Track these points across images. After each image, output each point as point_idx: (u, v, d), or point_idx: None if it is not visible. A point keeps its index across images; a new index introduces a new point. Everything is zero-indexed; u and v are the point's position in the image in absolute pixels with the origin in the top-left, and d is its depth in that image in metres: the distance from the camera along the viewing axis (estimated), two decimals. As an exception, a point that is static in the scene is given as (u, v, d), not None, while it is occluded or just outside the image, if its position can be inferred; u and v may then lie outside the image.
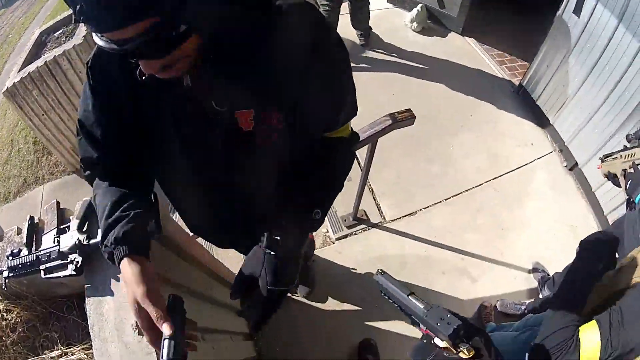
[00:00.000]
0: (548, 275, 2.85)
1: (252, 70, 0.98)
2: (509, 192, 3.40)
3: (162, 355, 0.89)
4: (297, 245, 1.14)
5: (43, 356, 2.26)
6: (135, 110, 1.06)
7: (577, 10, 3.14)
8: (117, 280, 1.42)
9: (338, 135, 1.25)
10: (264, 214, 1.16)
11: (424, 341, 1.10)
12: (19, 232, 2.35)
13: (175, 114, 1.05)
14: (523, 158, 3.62)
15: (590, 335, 1.33)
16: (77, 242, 1.44)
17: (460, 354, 1.00)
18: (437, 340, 1.05)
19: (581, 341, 1.34)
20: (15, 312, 2.42)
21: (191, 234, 1.73)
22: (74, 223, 1.51)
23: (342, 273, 3.04)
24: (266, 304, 1.15)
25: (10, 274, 1.66)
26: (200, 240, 2.01)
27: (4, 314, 2.41)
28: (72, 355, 2.13)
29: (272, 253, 1.07)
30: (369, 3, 4.38)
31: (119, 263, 1.02)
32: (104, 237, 1.04)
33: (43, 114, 3.98)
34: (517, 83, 4.16)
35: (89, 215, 1.50)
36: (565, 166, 3.52)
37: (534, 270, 2.98)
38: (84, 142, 1.12)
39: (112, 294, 1.42)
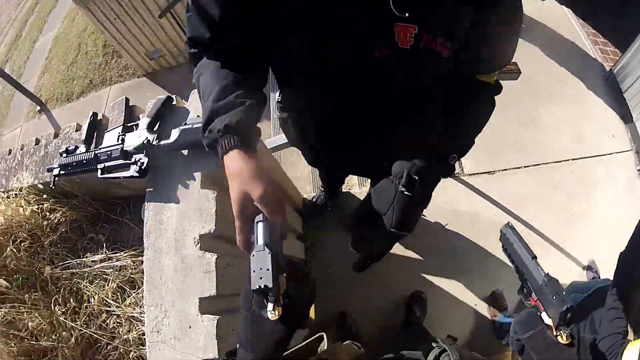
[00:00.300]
0: (600, 278, 2.68)
1: None
2: (585, 178, 3.15)
3: (258, 239, 0.77)
4: (431, 190, 1.01)
5: (84, 259, 2.22)
6: None
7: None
8: (186, 187, 1.31)
9: (487, 80, 1.13)
10: (394, 145, 1.04)
11: (531, 312, 0.99)
12: (78, 128, 2.25)
13: (321, 5, 0.87)
14: (604, 147, 3.33)
15: (631, 355, 1.32)
16: (145, 141, 1.32)
17: (559, 337, 0.91)
18: (544, 315, 0.95)
19: (623, 357, 1.33)
20: (61, 212, 2.38)
21: (269, 147, 1.59)
22: (143, 122, 1.37)
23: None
24: (381, 245, 1.03)
25: (62, 172, 1.56)
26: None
27: (47, 213, 2.38)
28: (117, 260, 2.07)
29: (407, 193, 0.93)
30: None
31: (225, 154, 0.85)
32: (209, 121, 0.89)
33: (115, 18, 3.94)
34: (607, 68, 3.81)
35: (162, 115, 1.38)
36: (638, 170, 3.24)
37: (589, 268, 2.80)
38: (195, 20, 0.94)
39: (177, 201, 1.32)
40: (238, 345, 0.82)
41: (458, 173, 3.12)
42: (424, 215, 2.83)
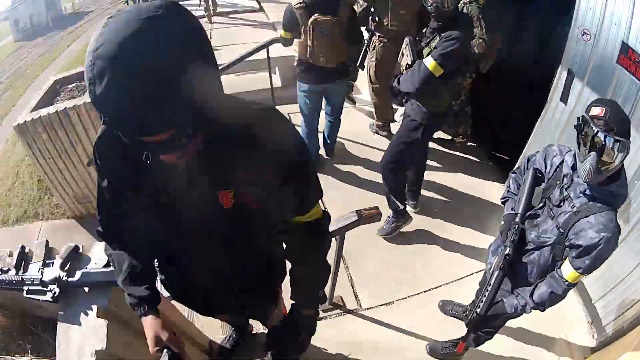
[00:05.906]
0: None
1: (232, 158, 1.14)
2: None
3: None
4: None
5: (14, 357, 2.57)
6: (134, 186, 1.22)
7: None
8: (86, 314, 1.76)
9: (312, 219, 1.40)
10: (246, 287, 1.49)
11: None
12: (11, 254, 2.68)
13: (167, 189, 1.21)
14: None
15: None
16: (57, 276, 1.78)
17: None
18: None
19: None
20: (-4, 319, 2.76)
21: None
22: (57, 261, 1.84)
23: (311, 351, 2.74)
24: None
25: (-3, 286, 2.00)
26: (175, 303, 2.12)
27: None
28: (38, 365, 2.44)
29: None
30: None
31: (143, 315, 1.37)
32: (132, 294, 1.37)
33: (50, 158, 4.14)
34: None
35: (71, 258, 1.85)
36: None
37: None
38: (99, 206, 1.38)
39: (79, 324, 1.76)
40: None
41: (356, 309, 3.28)
42: (325, 349, 2.90)
